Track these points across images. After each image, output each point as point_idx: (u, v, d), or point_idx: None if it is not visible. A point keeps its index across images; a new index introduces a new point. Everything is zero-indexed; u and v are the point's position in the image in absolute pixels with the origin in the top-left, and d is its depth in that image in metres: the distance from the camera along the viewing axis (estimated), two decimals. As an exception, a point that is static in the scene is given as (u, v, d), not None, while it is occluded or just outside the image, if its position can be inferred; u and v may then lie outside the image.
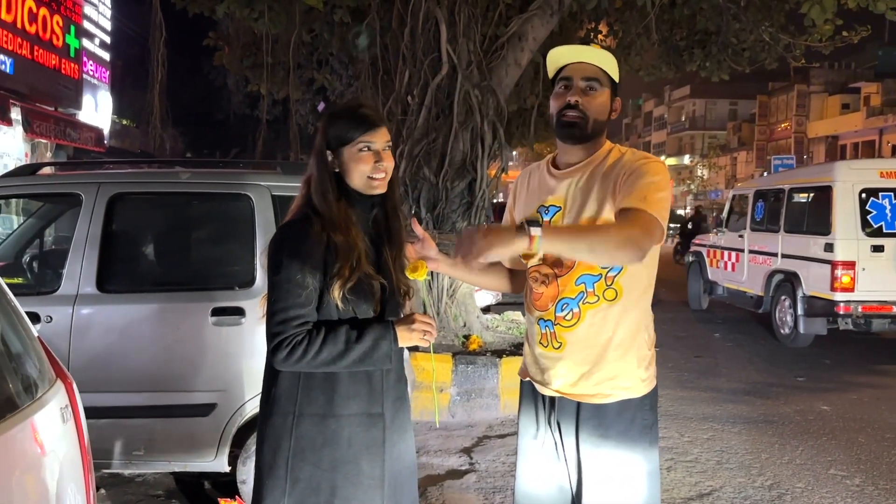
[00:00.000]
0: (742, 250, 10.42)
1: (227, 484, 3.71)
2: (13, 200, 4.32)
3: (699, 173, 53.14)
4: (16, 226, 4.89)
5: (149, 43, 9.99)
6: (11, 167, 14.67)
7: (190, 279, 3.95)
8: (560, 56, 2.18)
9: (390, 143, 2.07)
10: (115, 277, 3.70)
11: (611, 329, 2.10)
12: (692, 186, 52.46)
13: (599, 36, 9.91)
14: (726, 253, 10.95)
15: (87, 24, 17.88)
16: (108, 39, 19.38)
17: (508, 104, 7.93)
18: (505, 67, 7.02)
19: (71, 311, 3.49)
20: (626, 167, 2.08)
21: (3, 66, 13.64)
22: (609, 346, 2.11)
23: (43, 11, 15.25)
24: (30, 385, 1.76)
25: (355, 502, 2.01)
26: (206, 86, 21.90)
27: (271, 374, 2.02)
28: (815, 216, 8.83)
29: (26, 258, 4.59)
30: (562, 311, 2.12)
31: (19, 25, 14.29)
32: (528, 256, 2.06)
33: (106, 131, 18.76)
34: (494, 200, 10.12)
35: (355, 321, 1.99)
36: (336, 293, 1.93)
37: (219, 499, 3.60)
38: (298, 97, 11.24)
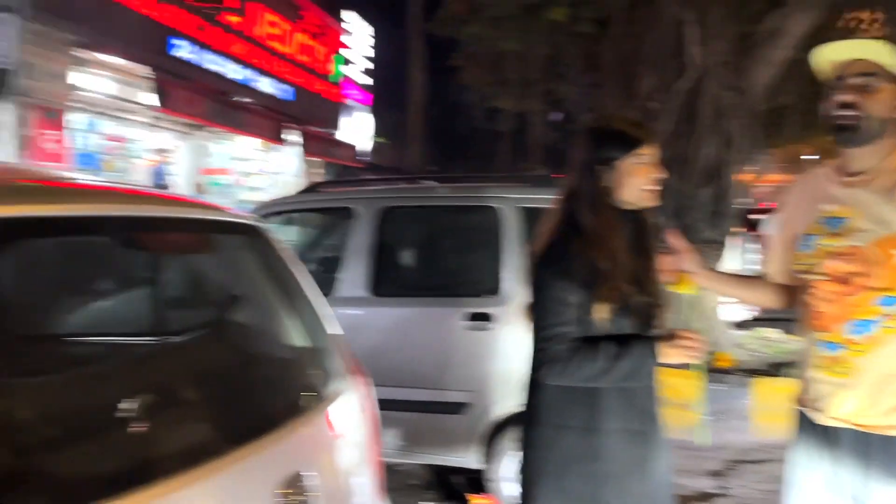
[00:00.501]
0: None
1: (476, 480, 3.89)
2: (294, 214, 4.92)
3: None
4: (295, 237, 5.57)
5: (405, 67, 10.98)
6: (288, 183, 16.74)
7: (444, 286, 4.21)
8: (827, 53, 2.03)
9: (658, 155, 2.06)
10: (384, 282, 4.05)
11: None
12: None
13: (863, 25, 8.94)
14: None
15: (348, 53, 19.81)
16: (371, 66, 21.31)
17: (759, 104, 7.53)
18: (758, 67, 6.72)
19: (346, 312, 3.91)
20: None
21: (283, 94, 15.57)
22: None
23: (313, 43, 17.08)
24: (332, 379, 2.01)
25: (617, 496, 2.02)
26: (447, 102, 23.20)
27: (533, 385, 2.08)
28: None
29: (307, 266, 5.25)
30: (853, 333, 1.97)
31: (295, 55, 16.17)
32: (808, 271, 2.01)
33: (366, 149, 20.62)
34: (745, 207, 9.57)
35: (619, 337, 1.99)
36: (600, 311, 1.96)
37: (468, 495, 3.81)
38: (537, 110, 11.50)
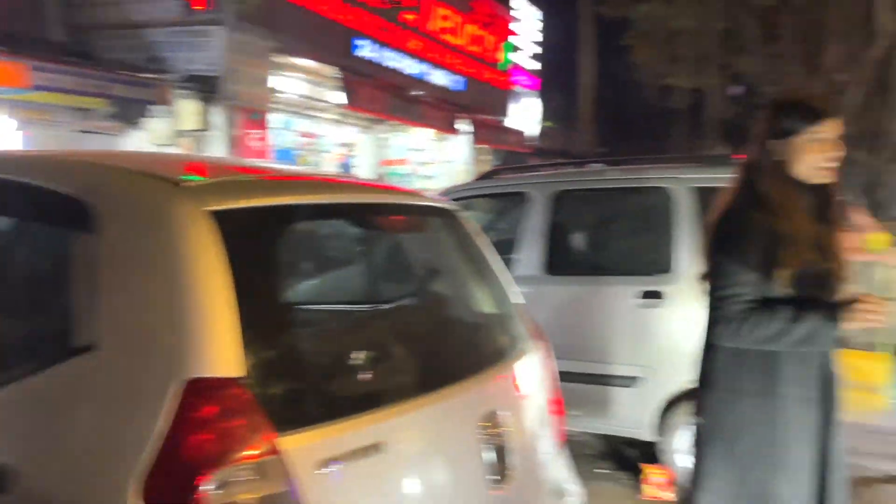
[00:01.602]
0: None
1: (650, 453, 3.98)
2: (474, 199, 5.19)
3: None
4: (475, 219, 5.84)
5: (574, 50, 11.00)
6: (460, 170, 17.17)
7: (617, 265, 4.29)
8: None
9: (840, 134, 2.04)
10: (557, 262, 4.23)
11: None
12: None
13: None
14: None
15: (517, 39, 19.80)
16: (539, 50, 21.23)
17: None
18: None
19: (525, 290, 4.15)
20: None
21: (458, 86, 15.95)
22: None
23: (483, 33, 17.21)
24: (519, 341, 2.26)
25: (788, 486, 2.04)
26: (618, 83, 22.61)
27: (709, 350, 2.13)
28: None
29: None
30: None
31: (466, 46, 16.43)
32: None
33: (535, 133, 20.62)
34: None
35: (798, 301, 1.99)
36: (781, 276, 1.98)
37: (643, 465, 3.90)
38: (714, 85, 11.09)
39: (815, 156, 2.01)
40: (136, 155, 2.16)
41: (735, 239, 2.04)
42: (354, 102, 12.20)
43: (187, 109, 9.49)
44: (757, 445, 2.06)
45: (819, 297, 2.03)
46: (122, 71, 8.86)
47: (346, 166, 13.16)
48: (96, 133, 8.70)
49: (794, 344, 1.98)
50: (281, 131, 11.92)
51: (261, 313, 1.52)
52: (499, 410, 1.92)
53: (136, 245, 1.54)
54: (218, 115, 9.83)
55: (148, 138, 9.36)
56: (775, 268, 1.98)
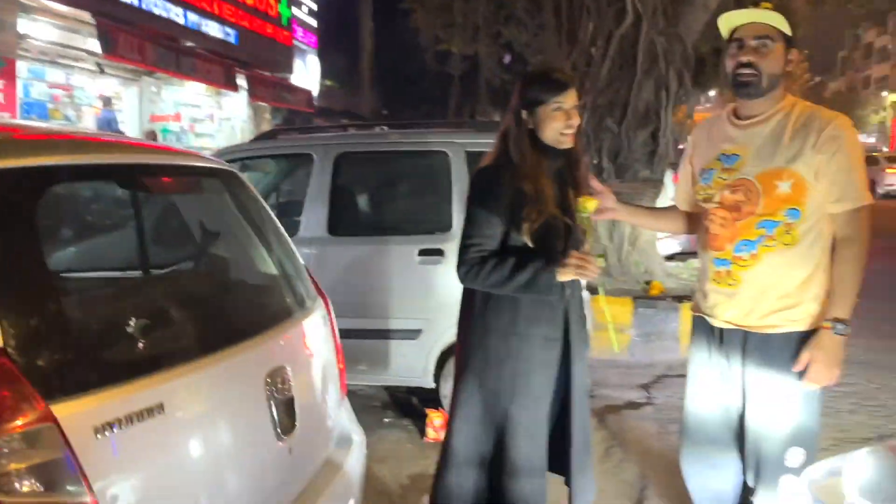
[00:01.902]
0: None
1: (432, 399, 4.22)
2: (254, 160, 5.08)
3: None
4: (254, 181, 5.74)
5: (354, 10, 10.99)
6: (237, 128, 16.56)
7: (399, 225, 4.43)
8: (731, 18, 2.29)
9: (577, 104, 2.26)
10: (342, 223, 4.29)
11: (785, 270, 2.23)
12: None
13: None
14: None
15: None
16: (314, 7, 20.82)
17: (701, 45, 7.76)
18: (693, 12, 6.89)
19: (308, 251, 4.10)
20: (827, 136, 2.18)
21: (230, 38, 15.26)
22: (781, 284, 2.24)
23: None
24: (302, 299, 2.31)
25: (526, 411, 2.27)
26: (399, 46, 22.90)
27: (465, 295, 2.34)
28: None
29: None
30: (740, 251, 2.26)
31: (242, 0, 15.80)
32: (707, 200, 2.32)
33: (315, 93, 20.32)
34: (680, 146, 9.99)
35: (524, 254, 2.20)
36: (525, 231, 2.18)
37: (426, 409, 4.13)
38: (486, 53, 11.64)
39: (558, 123, 2.22)
40: None
41: (484, 195, 2.23)
42: (113, 51, 11.25)
43: None
44: (501, 378, 2.26)
45: (555, 248, 2.22)
46: None
47: (110, 122, 12.13)
48: None
49: (517, 289, 2.19)
50: (32, 82, 10.97)
51: (19, 282, 1.44)
52: (285, 366, 1.97)
53: None
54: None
55: None
56: (520, 222, 2.18)
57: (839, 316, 2.17)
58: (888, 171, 20.73)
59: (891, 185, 20.73)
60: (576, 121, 2.25)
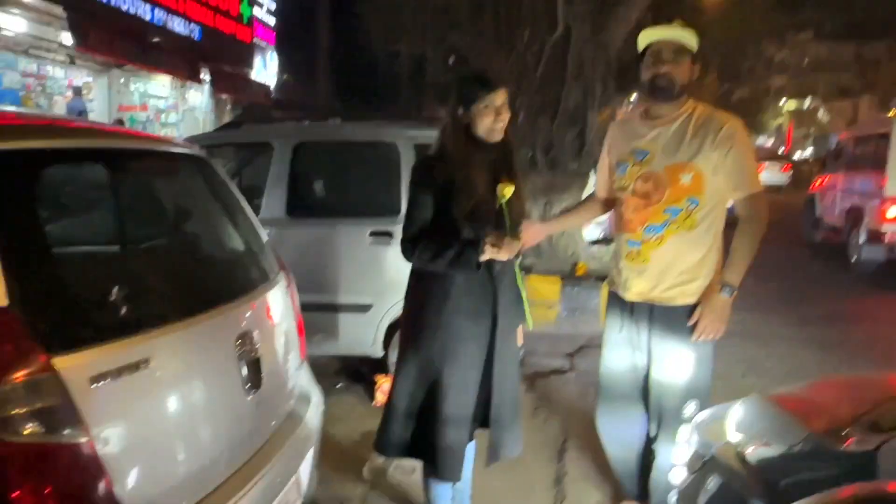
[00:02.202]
0: (834, 190, 9.97)
1: (381, 367, 4.25)
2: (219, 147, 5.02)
3: (819, 117, 48.60)
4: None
5: (310, 9, 10.86)
6: (200, 119, 16.16)
7: (352, 209, 4.41)
8: (650, 34, 2.41)
9: (506, 101, 2.28)
10: (298, 206, 4.30)
11: (685, 249, 2.37)
12: (811, 130, 48.06)
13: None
14: (826, 192, 10.55)
15: None
16: (273, 7, 20.41)
17: (624, 54, 7.96)
18: (616, 24, 7.04)
19: (268, 231, 4.14)
20: (723, 135, 2.32)
21: (193, 34, 14.89)
22: (681, 262, 2.38)
23: None
24: (265, 273, 2.36)
25: (455, 375, 2.29)
26: (353, 44, 22.51)
27: (410, 272, 2.39)
28: (876, 159, 8.39)
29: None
30: (649, 233, 2.39)
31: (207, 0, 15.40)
32: (623, 189, 2.43)
33: (272, 86, 19.98)
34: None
35: (451, 237, 2.23)
36: (458, 215, 2.22)
37: (375, 376, 4.17)
38: (432, 55, 11.64)
39: (488, 119, 2.24)
40: None
41: (422, 183, 2.29)
42: (85, 44, 10.89)
43: None
44: (433, 345, 2.30)
45: (484, 231, 2.22)
46: None
47: (81, 111, 11.73)
48: None
49: (445, 266, 2.23)
50: (4, 71, 10.56)
51: (21, 250, 1.48)
52: (252, 330, 2.02)
53: None
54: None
55: None
56: (454, 208, 2.22)
57: (729, 281, 2.33)
58: (762, 166, 21.24)
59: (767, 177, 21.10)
60: (505, 116, 2.27)
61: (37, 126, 1.75)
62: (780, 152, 29.74)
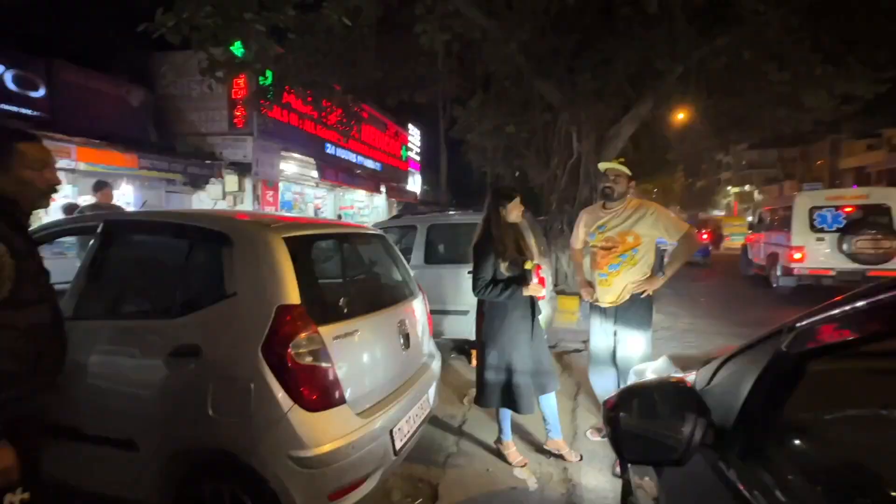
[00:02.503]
0: (759, 241, 9.15)
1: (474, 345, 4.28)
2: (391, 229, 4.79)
3: (755, 197, 43.88)
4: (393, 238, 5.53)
5: (437, 150, 11.41)
6: (381, 212, 16.96)
7: (458, 258, 4.03)
8: (604, 165, 2.46)
9: (521, 202, 2.28)
10: (430, 258, 4.26)
11: (632, 276, 2.36)
12: (750, 206, 43.21)
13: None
14: (754, 243, 9.64)
15: (410, 145, 19.90)
16: (418, 151, 21.43)
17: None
18: (610, 149, 6.87)
19: (414, 271, 3.59)
20: (648, 214, 2.28)
21: (377, 167, 15.83)
22: (630, 282, 2.37)
23: (391, 140, 17.16)
24: (412, 292, 2.36)
25: (515, 349, 2.25)
26: (460, 167, 22.76)
27: (479, 303, 2.34)
28: (786, 221, 7.64)
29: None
30: (612, 269, 2.39)
31: (384, 148, 16.44)
32: (595, 246, 2.37)
33: (418, 193, 20.78)
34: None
35: (506, 280, 2.22)
36: (503, 266, 2.24)
37: (471, 350, 4.00)
38: (506, 172, 11.76)
39: (516, 210, 2.19)
40: (243, 212, 1.97)
41: (481, 253, 2.25)
42: (324, 176, 12.06)
43: (231, 180, 9.11)
44: (503, 337, 2.26)
45: (519, 276, 2.20)
46: (194, 158, 8.39)
47: (317, 213, 12.89)
48: (177, 193, 8.22)
49: (506, 297, 2.19)
50: (285, 192, 11.56)
51: (305, 277, 1.62)
52: (406, 319, 2.09)
53: (254, 251, 1.59)
54: (248, 183, 9.52)
55: (207, 196, 8.92)
56: (501, 262, 2.22)
57: (665, 271, 2.36)
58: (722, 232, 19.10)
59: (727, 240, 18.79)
60: (520, 209, 2.26)
61: (306, 223, 1.89)
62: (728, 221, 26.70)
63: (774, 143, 39.02)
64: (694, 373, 1.11)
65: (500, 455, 2.50)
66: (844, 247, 7.02)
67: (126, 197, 7.36)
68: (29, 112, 6.81)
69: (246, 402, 1.44)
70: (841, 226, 7.14)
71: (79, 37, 7.89)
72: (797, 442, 0.82)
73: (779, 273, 7.72)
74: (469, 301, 4.07)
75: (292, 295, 1.53)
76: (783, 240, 7.67)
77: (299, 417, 1.45)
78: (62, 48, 7.51)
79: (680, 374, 1.31)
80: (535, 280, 2.22)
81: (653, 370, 1.69)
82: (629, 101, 6.62)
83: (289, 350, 1.48)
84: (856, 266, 6.92)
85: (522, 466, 2.41)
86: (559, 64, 6.35)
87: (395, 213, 13.48)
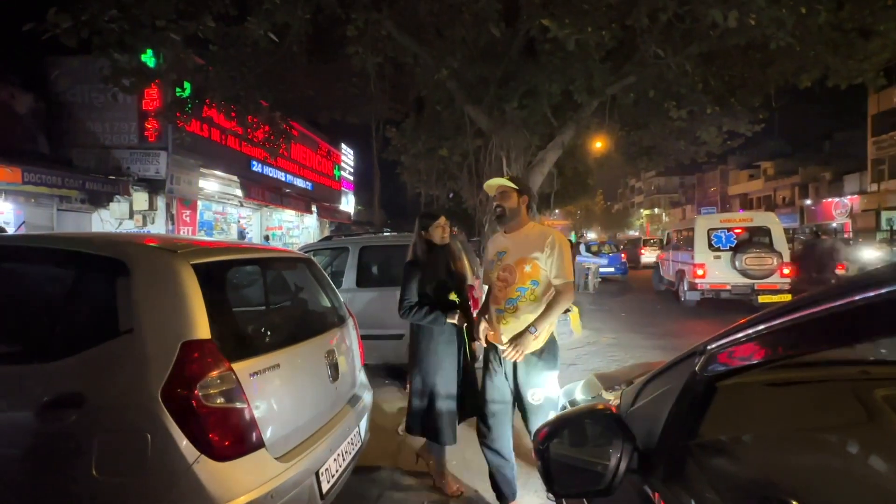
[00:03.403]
0: (668, 260, 10.21)
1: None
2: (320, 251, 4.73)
3: (664, 218, 49.19)
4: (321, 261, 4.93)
5: (370, 170, 11.35)
6: (311, 233, 16.39)
7: (390, 281, 3.88)
8: (490, 183, 2.21)
9: (448, 222, 2.26)
10: (364, 280, 4.16)
11: (531, 314, 2.05)
12: (659, 226, 48.33)
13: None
14: (664, 261, 10.69)
15: (343, 164, 19.58)
16: (352, 171, 21.14)
17: (543, 188, 8.15)
18: (537, 174, 7.12)
19: (346, 296, 3.86)
20: (548, 243, 2.02)
21: (308, 187, 15.34)
22: (528, 319, 2.05)
23: (323, 160, 16.79)
24: (342, 318, 2.27)
25: (441, 375, 2.23)
26: (394, 187, 22.82)
27: (410, 325, 2.31)
28: (689, 242, 8.75)
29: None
30: (509, 304, 2.08)
31: (315, 167, 15.99)
32: (493, 277, 2.12)
33: (352, 213, 20.40)
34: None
35: (430, 304, 2.20)
36: (429, 290, 2.23)
37: (406, 374, 3.72)
38: (440, 193, 11.91)
39: (438, 231, 2.26)
40: (146, 236, 1.81)
41: (406, 274, 2.24)
42: (249, 195, 11.44)
43: (140, 197, 8.25)
44: (426, 361, 2.24)
45: (444, 298, 2.20)
46: (94, 173, 7.47)
47: (242, 233, 12.10)
48: (73, 211, 7.22)
49: (429, 323, 2.17)
50: (204, 211, 10.87)
51: (218, 308, 1.51)
52: (334, 348, 2.00)
53: (155, 281, 1.47)
54: (161, 202, 8.72)
55: (110, 215, 7.96)
56: (424, 285, 2.20)
57: (537, 325, 2.00)
58: (643, 250, 20.24)
59: (645, 259, 19.60)
60: (447, 231, 2.25)
61: (221, 247, 1.78)
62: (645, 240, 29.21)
63: (676, 171, 44.14)
64: (620, 392, 1.15)
65: (437, 486, 2.43)
66: (736, 264, 8.05)
67: (4, 216, 6.36)
68: None
69: (140, 457, 1.26)
70: (733, 245, 8.21)
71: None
72: (713, 461, 0.83)
73: (686, 288, 8.67)
74: (404, 325, 4.05)
75: (201, 329, 1.38)
76: (688, 258, 8.67)
77: (208, 469, 1.30)
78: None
79: (608, 395, 1.34)
80: (470, 301, 2.23)
81: (580, 389, 1.70)
82: (553, 129, 6.94)
83: (195, 391, 1.34)
84: (746, 280, 7.96)
85: (458, 496, 2.36)
86: (488, 92, 6.49)
87: (327, 233, 13.04)
